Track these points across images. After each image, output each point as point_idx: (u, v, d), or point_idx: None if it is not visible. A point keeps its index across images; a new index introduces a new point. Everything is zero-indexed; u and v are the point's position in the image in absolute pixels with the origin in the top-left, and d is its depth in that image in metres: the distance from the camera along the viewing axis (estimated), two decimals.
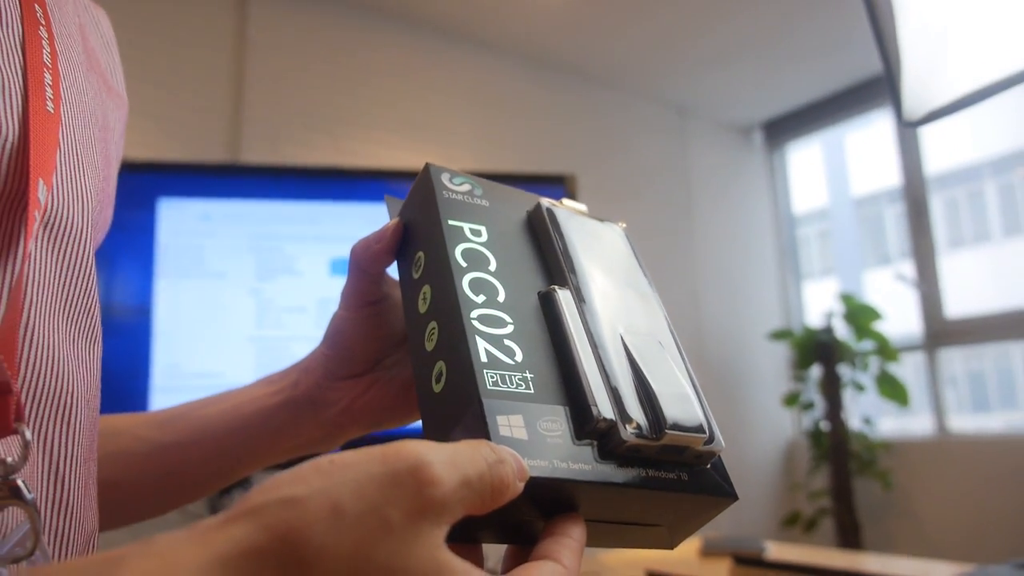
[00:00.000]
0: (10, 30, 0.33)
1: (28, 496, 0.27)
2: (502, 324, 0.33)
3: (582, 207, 0.43)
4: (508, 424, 0.29)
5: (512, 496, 0.25)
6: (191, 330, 1.62)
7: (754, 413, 3.25)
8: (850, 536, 2.76)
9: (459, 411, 0.31)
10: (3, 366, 0.27)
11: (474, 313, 0.33)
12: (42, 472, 0.32)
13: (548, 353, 0.33)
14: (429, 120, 2.55)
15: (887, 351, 2.86)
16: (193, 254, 1.64)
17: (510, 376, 0.31)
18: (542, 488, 0.28)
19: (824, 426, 2.91)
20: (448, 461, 0.23)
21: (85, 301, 0.35)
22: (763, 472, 3.21)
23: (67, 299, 0.34)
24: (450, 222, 0.36)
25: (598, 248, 0.39)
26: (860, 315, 2.92)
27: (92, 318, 0.36)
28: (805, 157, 3.87)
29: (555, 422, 0.30)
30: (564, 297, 0.35)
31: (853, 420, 2.97)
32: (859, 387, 2.94)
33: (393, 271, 0.42)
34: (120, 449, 0.46)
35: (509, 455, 0.26)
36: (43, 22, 0.35)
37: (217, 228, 1.66)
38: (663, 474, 0.32)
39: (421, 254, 0.37)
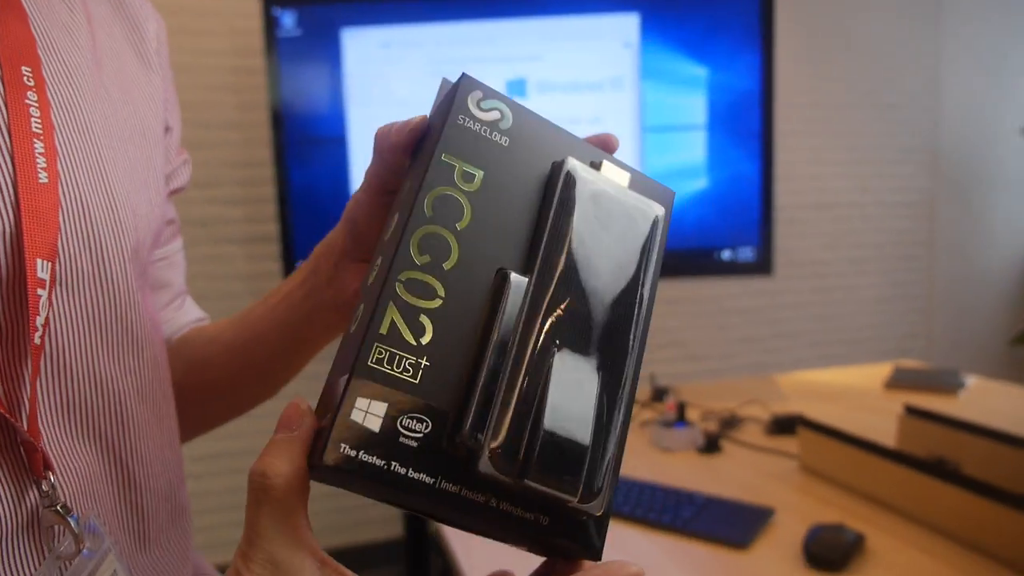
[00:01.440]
0: None
1: (71, 516, 0.36)
2: (430, 296, 0.29)
3: (624, 177, 0.36)
4: (366, 410, 0.27)
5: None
6: None
7: (995, 217, 2.87)
8: None
9: (343, 369, 0.29)
10: (25, 434, 0.34)
11: (403, 276, 0.29)
12: (109, 466, 0.41)
13: (465, 343, 0.29)
14: None
15: None
16: (378, 82, 1.70)
17: (401, 358, 0.28)
18: (376, 482, 0.27)
19: None
20: None
21: (121, 323, 0.41)
22: (999, 284, 2.89)
23: (101, 328, 0.40)
24: (443, 157, 0.31)
25: (606, 239, 0.33)
26: None
27: (130, 333, 0.42)
28: None
29: (421, 422, 0.28)
30: (515, 286, 0.30)
31: None
32: None
33: None
34: (213, 355, 0.54)
35: None
36: (31, 83, 0.37)
37: (398, 55, 1.69)
38: (518, 510, 0.29)
39: (410, 174, 0.32)
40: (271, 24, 1.67)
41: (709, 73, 1.64)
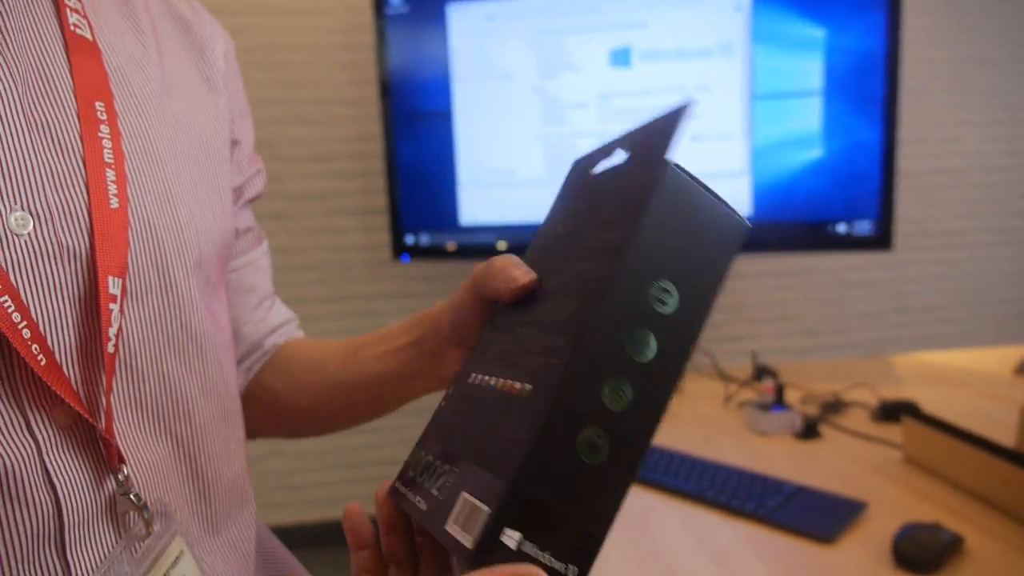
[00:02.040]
0: (72, 156, 0.39)
1: (142, 502, 0.41)
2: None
3: None
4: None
5: None
6: (486, 130, 1.75)
7: None
8: None
9: (581, 516, 0.27)
10: (103, 431, 0.39)
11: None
12: (178, 459, 0.45)
13: None
14: None
15: None
16: (482, 56, 1.72)
17: None
18: None
19: None
20: None
21: (186, 330, 0.45)
22: None
23: (168, 335, 0.44)
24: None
25: None
26: None
27: (195, 339, 0.46)
28: None
29: None
30: None
31: None
32: None
33: None
34: (318, 383, 0.58)
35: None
36: (104, 117, 0.41)
37: (501, 28, 1.70)
38: None
39: (674, 291, 0.29)
40: (380, 1, 1.72)
41: (827, 34, 1.54)
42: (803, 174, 1.58)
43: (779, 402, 1.19)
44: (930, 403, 1.23)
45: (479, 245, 1.77)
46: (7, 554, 0.36)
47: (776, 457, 1.07)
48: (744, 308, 2.25)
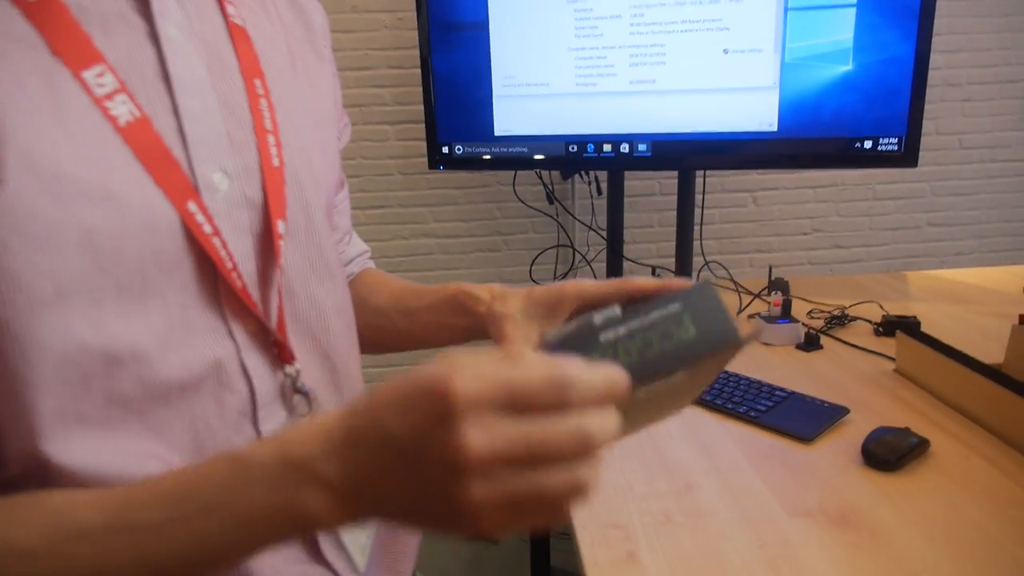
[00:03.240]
0: (245, 124, 0.49)
1: (305, 389, 0.53)
2: None
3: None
4: None
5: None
6: (520, 42, 1.77)
7: None
8: None
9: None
10: (278, 334, 0.51)
11: None
12: (321, 359, 0.56)
13: None
14: None
15: None
16: None
17: None
18: None
19: None
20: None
21: (322, 259, 0.56)
22: None
23: (312, 263, 0.55)
24: None
25: None
26: None
27: (328, 266, 0.57)
28: None
29: None
30: None
31: None
32: None
33: None
34: (381, 326, 0.70)
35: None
36: (262, 92, 0.50)
37: None
38: None
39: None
40: None
41: None
42: (832, 89, 1.58)
43: (785, 315, 1.26)
44: (934, 319, 1.30)
45: (513, 156, 1.83)
46: (223, 424, 0.48)
47: (776, 366, 1.15)
48: (772, 221, 2.28)
